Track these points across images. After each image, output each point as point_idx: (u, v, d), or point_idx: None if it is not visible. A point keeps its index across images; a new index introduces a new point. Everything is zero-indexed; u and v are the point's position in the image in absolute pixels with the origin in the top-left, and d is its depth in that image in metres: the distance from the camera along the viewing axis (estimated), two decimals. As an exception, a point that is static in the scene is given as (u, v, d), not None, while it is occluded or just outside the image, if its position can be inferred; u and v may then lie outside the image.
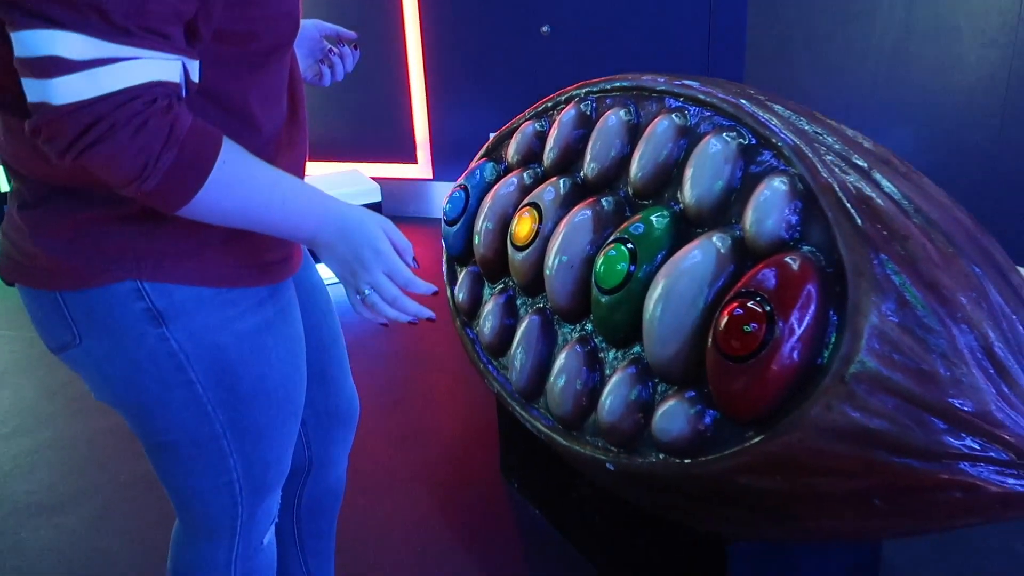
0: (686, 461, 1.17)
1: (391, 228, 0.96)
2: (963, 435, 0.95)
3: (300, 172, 1.05)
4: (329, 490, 1.37)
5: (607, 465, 1.31)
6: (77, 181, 0.87)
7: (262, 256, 0.98)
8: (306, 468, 1.32)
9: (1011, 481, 0.95)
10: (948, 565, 1.66)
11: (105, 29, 0.73)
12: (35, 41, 0.72)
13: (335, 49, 1.29)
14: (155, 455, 1.06)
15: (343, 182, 3.52)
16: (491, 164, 1.75)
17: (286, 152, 1.00)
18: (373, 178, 3.66)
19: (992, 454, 0.95)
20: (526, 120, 1.73)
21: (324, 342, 1.28)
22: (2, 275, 0.99)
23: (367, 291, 0.96)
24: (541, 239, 1.49)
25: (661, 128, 1.37)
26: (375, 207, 3.60)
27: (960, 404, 0.95)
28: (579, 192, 1.50)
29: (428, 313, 1.01)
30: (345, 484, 1.40)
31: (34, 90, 0.74)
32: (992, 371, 0.97)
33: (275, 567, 1.24)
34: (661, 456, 1.22)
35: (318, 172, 3.55)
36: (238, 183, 0.84)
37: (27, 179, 0.91)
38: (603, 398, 1.32)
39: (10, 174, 0.94)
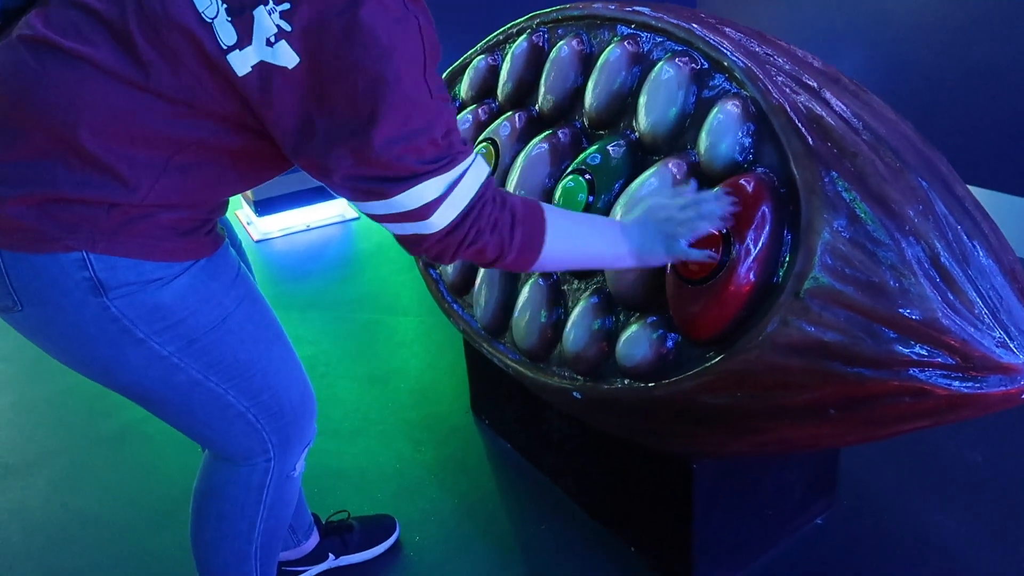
0: (650, 385, 1.21)
1: (661, 204, 1.13)
2: (912, 343, 0.99)
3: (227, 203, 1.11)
4: None
5: (574, 394, 1.34)
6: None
7: (202, 235, 1.02)
8: None
9: (957, 384, 1.00)
10: (903, 473, 1.75)
11: (446, 161, 0.92)
12: (410, 199, 0.92)
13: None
14: (150, 407, 1.10)
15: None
16: (445, 101, 1.73)
17: None
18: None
19: (939, 359, 0.99)
20: (478, 54, 1.71)
21: None
22: None
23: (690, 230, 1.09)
24: (499, 174, 1.49)
25: (614, 57, 1.36)
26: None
27: (909, 313, 0.99)
28: (535, 125, 1.49)
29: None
30: None
31: (409, 229, 0.96)
32: (939, 280, 1.01)
33: (295, 500, 1.31)
34: (626, 382, 1.25)
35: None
36: (566, 234, 1.06)
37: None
38: (567, 329, 1.34)
39: None
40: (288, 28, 0.84)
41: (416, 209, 0.93)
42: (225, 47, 0.86)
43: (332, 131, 0.88)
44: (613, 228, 1.12)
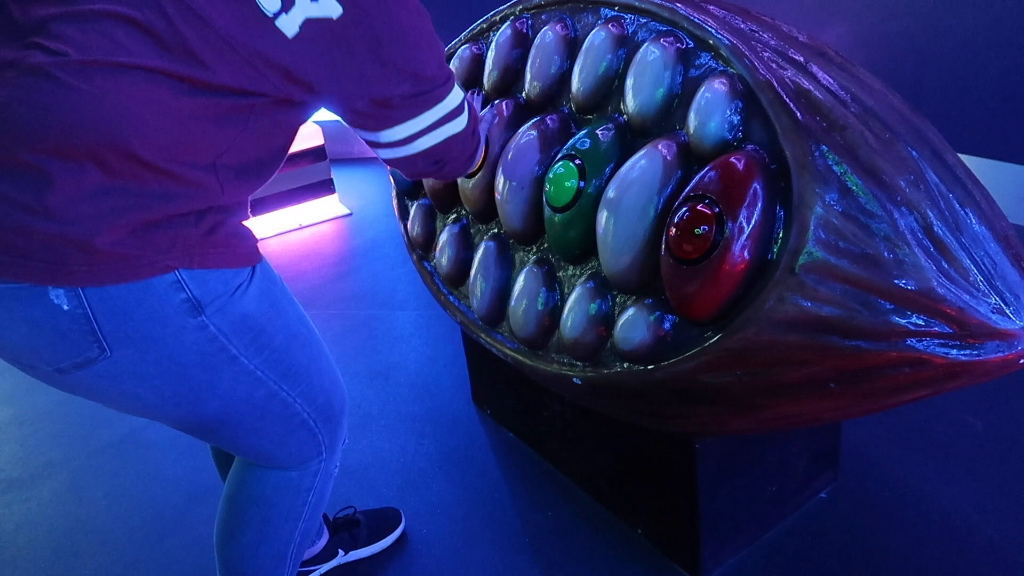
0: (649, 367, 1.21)
1: None
2: (908, 313, 0.99)
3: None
4: None
5: (574, 380, 1.34)
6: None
7: (251, 234, 1.05)
8: None
9: (954, 352, 1.00)
10: (905, 444, 1.75)
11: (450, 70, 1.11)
12: (454, 98, 1.12)
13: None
14: (220, 434, 1.10)
15: (282, 128, 3.43)
16: (431, 93, 1.72)
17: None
18: (313, 121, 3.57)
19: (936, 328, 1.00)
20: (462, 44, 1.70)
21: None
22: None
23: None
24: (489, 164, 1.48)
25: (598, 40, 1.35)
26: (318, 151, 3.52)
27: (904, 284, 0.99)
28: (522, 112, 1.49)
29: None
30: None
31: (446, 132, 1.13)
32: (932, 249, 1.01)
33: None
34: (625, 365, 1.25)
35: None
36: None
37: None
38: (564, 315, 1.34)
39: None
40: None
41: (458, 105, 1.12)
42: (271, 14, 0.89)
43: (388, 65, 0.97)
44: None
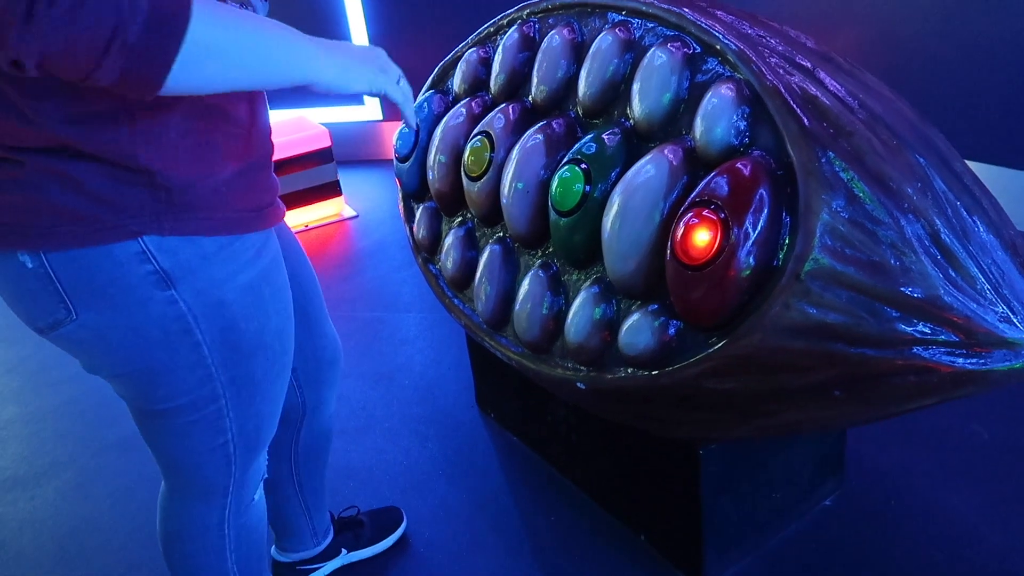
0: (654, 373, 1.20)
1: None
2: (915, 321, 0.99)
3: (267, 127, 1.02)
4: (323, 431, 1.42)
5: (578, 384, 1.34)
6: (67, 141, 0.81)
7: (258, 199, 0.97)
8: (300, 413, 1.35)
9: (961, 361, 1.00)
10: (910, 452, 1.74)
11: None
12: None
13: (246, 2, 1.26)
14: (151, 422, 1.04)
15: (290, 129, 3.44)
16: (438, 95, 1.72)
17: (256, 121, 0.97)
18: (321, 123, 3.58)
19: (943, 336, 0.99)
20: (469, 47, 1.70)
21: (304, 287, 1.28)
22: None
23: (399, 80, 0.97)
24: (495, 168, 1.48)
25: (605, 44, 1.35)
26: (325, 153, 3.53)
27: (911, 291, 0.98)
28: (529, 116, 1.49)
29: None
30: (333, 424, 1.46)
31: None
32: (939, 257, 1.00)
33: (265, 519, 1.26)
34: (630, 370, 1.25)
35: (263, 121, 3.45)
36: (229, 12, 0.74)
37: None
38: (569, 320, 1.34)
39: None
40: None
41: None
42: None
43: None
44: (287, 26, 0.83)
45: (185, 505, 1.14)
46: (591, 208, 1.27)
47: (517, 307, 1.45)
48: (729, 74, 1.18)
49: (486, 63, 1.64)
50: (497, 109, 1.53)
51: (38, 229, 0.84)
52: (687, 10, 1.27)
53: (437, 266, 1.71)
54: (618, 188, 1.23)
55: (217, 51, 0.73)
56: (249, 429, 1.07)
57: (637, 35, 1.34)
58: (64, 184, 0.83)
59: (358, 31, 3.90)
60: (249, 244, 0.96)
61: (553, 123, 1.41)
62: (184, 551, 1.18)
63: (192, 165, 0.87)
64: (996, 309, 0.99)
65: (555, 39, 1.45)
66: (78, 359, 1.00)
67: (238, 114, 0.92)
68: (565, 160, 1.33)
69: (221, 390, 1.00)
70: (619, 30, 1.35)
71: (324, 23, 3.91)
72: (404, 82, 0.99)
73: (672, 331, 1.19)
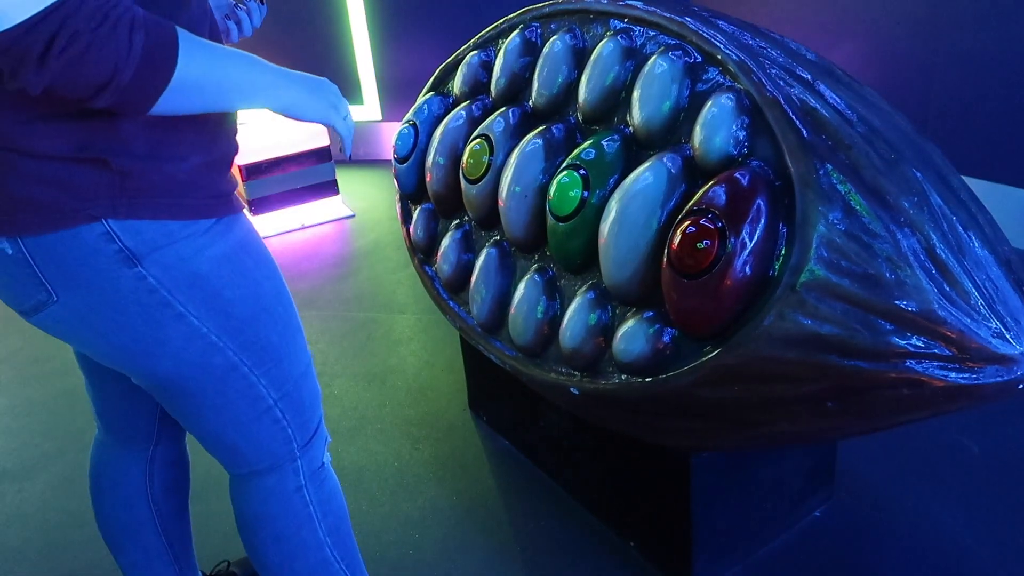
0: (647, 380, 1.20)
1: None
2: (908, 334, 0.99)
3: (233, 129, 1.04)
4: (180, 459, 1.34)
5: (571, 390, 1.34)
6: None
7: (221, 187, 0.99)
8: (154, 440, 1.28)
9: (953, 375, 1.00)
10: (900, 465, 1.75)
11: None
12: None
13: (242, 4, 1.27)
14: (183, 405, 1.04)
15: (288, 128, 3.44)
16: (438, 98, 1.72)
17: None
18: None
19: (936, 350, 0.99)
20: (471, 50, 1.70)
21: None
22: None
23: (346, 116, 1.04)
24: (494, 171, 1.48)
25: (607, 51, 1.35)
26: (323, 151, 3.53)
27: (905, 305, 0.99)
28: (529, 121, 1.49)
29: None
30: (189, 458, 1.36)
31: None
32: (934, 271, 1.01)
33: (342, 494, 1.24)
34: (623, 377, 1.25)
35: (259, 121, 3.45)
36: (207, 54, 0.85)
37: None
38: (564, 325, 1.34)
39: None
40: None
41: None
42: None
43: None
44: (254, 58, 0.92)
45: (259, 484, 1.13)
46: (589, 214, 1.28)
47: (512, 311, 1.45)
48: (729, 84, 1.18)
49: (487, 66, 1.64)
50: (497, 113, 1.53)
51: (8, 217, 0.87)
52: (689, 19, 1.27)
53: (433, 268, 1.71)
54: (616, 195, 1.23)
55: (195, 86, 0.84)
56: (289, 391, 1.08)
57: (639, 43, 1.34)
58: (21, 173, 0.85)
59: (360, 33, 3.91)
60: (216, 222, 0.97)
61: (553, 128, 1.41)
62: (275, 532, 1.15)
63: (152, 154, 0.89)
64: (990, 324, 0.99)
65: (556, 44, 1.46)
66: (70, 343, 1.01)
67: (207, 116, 0.95)
68: (564, 165, 1.33)
69: (236, 358, 1.01)
70: (621, 37, 1.36)
71: (327, 25, 3.91)
72: (350, 118, 1.06)
73: (667, 339, 1.19)
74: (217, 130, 0.98)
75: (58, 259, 0.89)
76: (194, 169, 0.94)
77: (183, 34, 0.82)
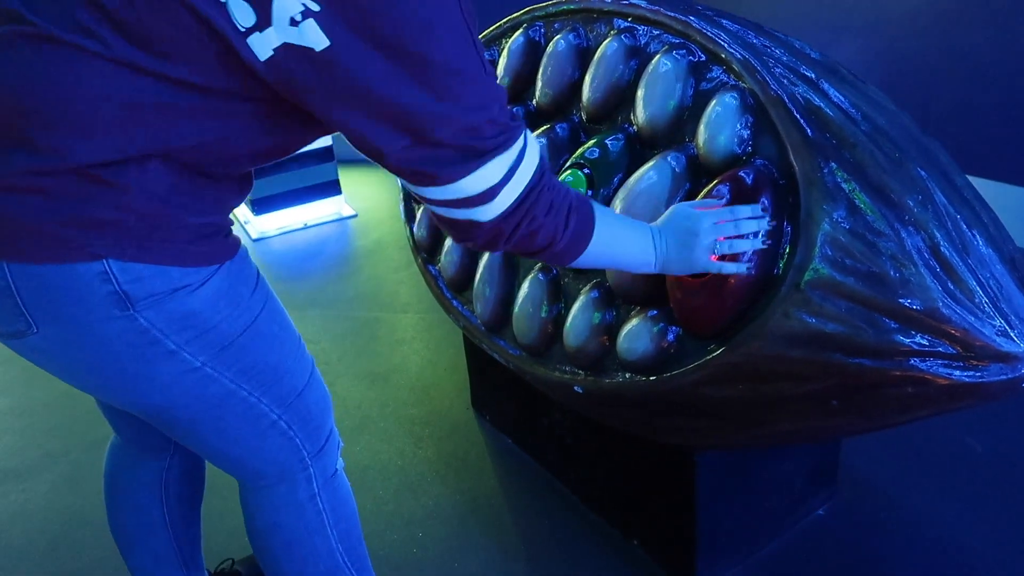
0: (652, 378, 1.21)
1: (690, 208, 1.12)
2: (913, 332, 0.99)
3: (248, 193, 1.03)
4: (196, 464, 1.34)
5: (575, 388, 1.34)
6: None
7: (228, 235, 0.98)
8: (171, 448, 1.28)
9: (958, 373, 1.00)
10: (903, 463, 1.75)
11: (504, 139, 0.86)
12: (472, 183, 0.86)
13: None
14: (179, 430, 1.03)
15: (291, 127, 3.44)
16: (441, 97, 1.72)
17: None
18: (321, 122, 3.58)
19: (940, 349, 1.00)
20: (474, 50, 1.70)
21: None
22: None
23: (716, 246, 1.09)
24: (497, 170, 1.48)
25: (611, 50, 1.36)
26: (325, 151, 3.53)
27: (909, 303, 0.99)
28: (532, 120, 1.49)
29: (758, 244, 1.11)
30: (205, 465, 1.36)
31: (464, 215, 0.89)
32: (939, 270, 1.01)
33: (354, 499, 1.23)
34: (627, 375, 1.25)
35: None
36: (609, 230, 1.03)
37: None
38: (568, 324, 1.34)
39: None
40: (316, 8, 0.76)
41: (478, 194, 0.87)
42: (243, 29, 0.77)
43: (374, 113, 0.81)
44: (646, 233, 1.08)
45: (270, 493, 1.12)
46: (593, 213, 1.28)
47: (516, 310, 1.45)
48: (734, 83, 1.18)
49: (491, 66, 1.64)
50: (501, 112, 1.53)
51: (5, 241, 0.84)
52: (693, 18, 1.27)
53: (437, 267, 1.71)
54: (620, 193, 1.23)
55: (599, 252, 1.02)
56: (293, 403, 1.06)
57: (643, 42, 1.34)
58: (36, 202, 0.83)
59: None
60: (217, 267, 0.96)
61: (557, 127, 1.42)
62: (287, 540, 1.15)
63: (170, 201, 0.88)
64: (994, 322, 0.99)
65: (561, 44, 1.46)
66: (50, 372, 0.98)
67: (238, 185, 0.97)
68: (568, 164, 1.33)
69: (233, 384, 0.99)
70: (625, 36, 1.36)
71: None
72: (742, 225, 1.09)
73: (671, 337, 1.19)
74: (236, 198, 0.98)
75: (44, 291, 0.86)
76: (208, 224, 0.93)
77: (598, 210, 1.01)
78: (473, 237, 0.92)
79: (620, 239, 1.06)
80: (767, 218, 1.07)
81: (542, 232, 0.94)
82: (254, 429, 1.04)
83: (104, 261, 0.85)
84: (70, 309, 0.87)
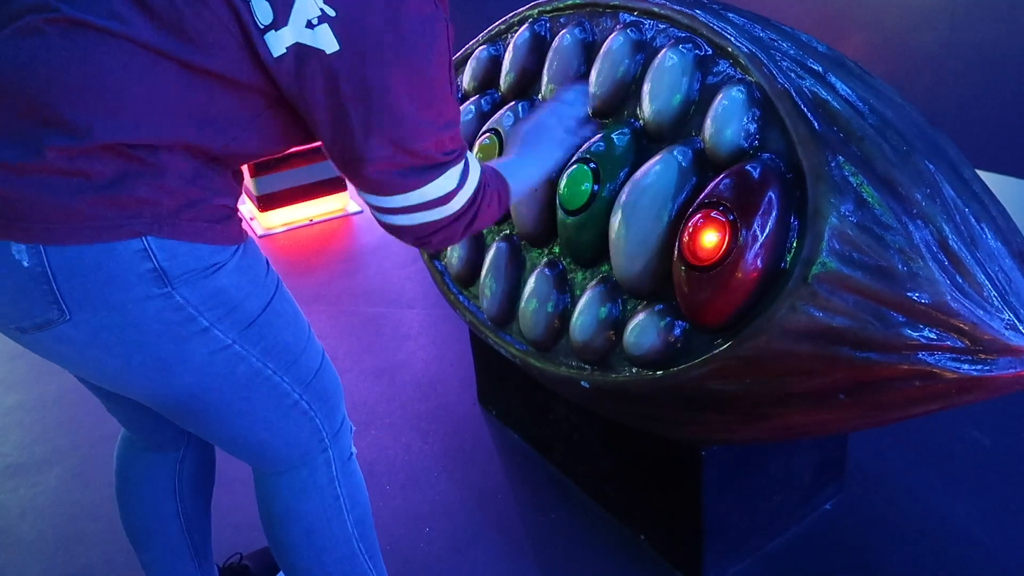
0: (658, 373, 1.21)
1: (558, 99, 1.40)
2: (921, 326, 0.99)
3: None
4: (209, 459, 1.35)
5: (582, 383, 1.34)
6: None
7: (236, 212, 1.02)
8: (184, 441, 1.29)
9: (966, 367, 1.00)
10: (911, 458, 1.74)
11: (458, 152, 0.99)
12: (435, 188, 0.97)
13: None
14: (202, 417, 1.04)
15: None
16: (447, 92, 1.72)
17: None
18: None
19: (948, 342, 0.99)
20: (479, 45, 1.70)
21: None
22: None
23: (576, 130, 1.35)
24: (503, 165, 1.48)
25: (617, 44, 1.35)
26: (331, 147, 3.53)
27: (917, 297, 0.98)
28: (538, 115, 1.49)
29: None
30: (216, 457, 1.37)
31: (420, 219, 1.00)
32: (947, 263, 1.01)
33: (365, 485, 1.25)
34: (634, 370, 1.25)
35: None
36: (519, 179, 1.19)
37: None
38: (574, 318, 1.34)
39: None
40: (332, 13, 0.84)
41: (438, 197, 0.99)
42: (263, 26, 0.84)
43: (369, 120, 0.89)
44: (534, 156, 1.29)
45: (290, 479, 1.14)
46: (599, 207, 1.28)
47: (522, 305, 1.45)
48: (740, 77, 1.18)
49: (496, 61, 1.64)
50: (506, 107, 1.53)
51: (32, 224, 0.85)
52: (699, 12, 1.27)
53: (442, 262, 1.72)
54: (627, 188, 1.23)
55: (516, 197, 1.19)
56: (312, 383, 1.10)
57: (648, 36, 1.34)
58: (73, 183, 0.85)
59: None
60: (238, 247, 1.00)
61: (562, 122, 1.41)
62: (306, 526, 1.16)
63: (195, 183, 0.92)
64: (1002, 316, 0.99)
65: (566, 38, 1.45)
66: (67, 366, 0.99)
67: (239, 173, 1.05)
68: (574, 159, 1.33)
69: (260, 363, 1.02)
70: (630, 31, 1.35)
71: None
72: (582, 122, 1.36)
73: (678, 332, 1.19)
74: (239, 184, 1.04)
75: (82, 273, 0.87)
76: (226, 206, 0.97)
77: (510, 176, 1.15)
78: (430, 237, 1.03)
79: (525, 183, 1.25)
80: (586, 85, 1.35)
81: (486, 221, 1.08)
82: (278, 409, 1.07)
83: (144, 238, 0.88)
84: (107, 290, 0.89)
